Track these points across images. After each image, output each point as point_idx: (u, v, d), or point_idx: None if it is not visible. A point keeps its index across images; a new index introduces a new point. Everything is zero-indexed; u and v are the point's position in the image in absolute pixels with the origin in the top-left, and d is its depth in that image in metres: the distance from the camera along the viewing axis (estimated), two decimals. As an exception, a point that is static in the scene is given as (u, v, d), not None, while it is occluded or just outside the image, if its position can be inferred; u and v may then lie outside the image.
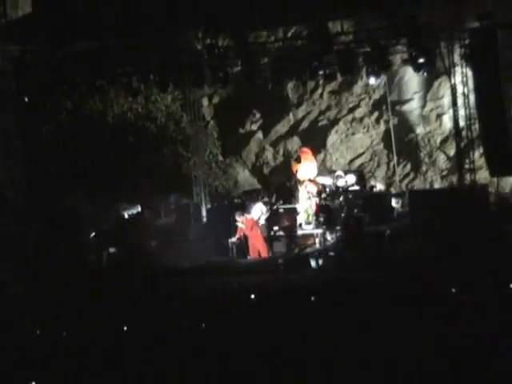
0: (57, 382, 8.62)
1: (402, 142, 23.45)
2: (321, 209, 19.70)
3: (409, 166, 23.33)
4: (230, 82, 18.78)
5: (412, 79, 22.60)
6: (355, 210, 18.83)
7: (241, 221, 18.75)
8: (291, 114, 24.87)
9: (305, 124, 24.78)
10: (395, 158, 23.06)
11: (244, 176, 25.06)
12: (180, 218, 21.04)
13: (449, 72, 16.61)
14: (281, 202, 20.27)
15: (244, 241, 18.97)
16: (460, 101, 17.15)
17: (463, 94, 16.77)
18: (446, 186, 21.77)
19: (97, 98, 21.83)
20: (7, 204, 18.22)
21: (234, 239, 18.83)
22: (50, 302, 13.65)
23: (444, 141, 22.76)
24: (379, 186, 21.04)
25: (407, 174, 23.09)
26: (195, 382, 8.18)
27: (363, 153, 24.01)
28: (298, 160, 20.66)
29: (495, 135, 16.13)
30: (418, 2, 16.51)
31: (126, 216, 20.54)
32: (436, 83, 22.48)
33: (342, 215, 18.51)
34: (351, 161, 23.98)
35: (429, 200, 17.32)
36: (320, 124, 24.60)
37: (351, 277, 15.49)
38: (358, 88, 23.80)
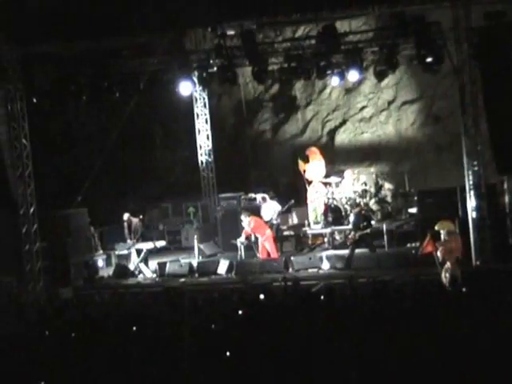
0: (66, 382, 8.66)
1: (411, 141, 23.44)
2: (329, 208, 19.73)
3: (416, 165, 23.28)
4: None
5: (420, 78, 22.50)
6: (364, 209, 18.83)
7: (246, 222, 18.68)
8: (299, 114, 24.87)
9: (313, 123, 24.79)
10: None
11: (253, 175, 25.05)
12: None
13: (457, 71, 16.51)
14: (292, 201, 20.27)
15: (255, 240, 18.94)
16: (468, 99, 17.07)
17: (471, 92, 16.69)
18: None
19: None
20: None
21: (242, 239, 18.84)
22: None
23: (451, 140, 22.69)
24: (387, 186, 20.99)
25: (415, 174, 23.04)
26: (204, 381, 8.20)
27: (371, 152, 23.97)
28: (306, 160, 20.64)
29: (503, 133, 16.07)
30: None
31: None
32: (444, 82, 22.39)
33: (351, 215, 18.50)
34: (359, 160, 23.94)
35: (437, 199, 17.35)
36: (328, 124, 24.60)
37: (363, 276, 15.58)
38: (366, 87, 23.77)
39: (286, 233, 20.12)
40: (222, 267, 18.12)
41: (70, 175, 23.97)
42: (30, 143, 18.62)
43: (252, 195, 21.13)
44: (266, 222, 18.98)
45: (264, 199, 20.11)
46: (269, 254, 18.59)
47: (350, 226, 18.17)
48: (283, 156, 24.76)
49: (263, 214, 19.37)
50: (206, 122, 23.03)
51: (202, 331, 9.20)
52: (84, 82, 18.14)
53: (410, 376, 7.47)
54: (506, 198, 17.05)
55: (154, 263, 19.18)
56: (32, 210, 18.38)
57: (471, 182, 16.29)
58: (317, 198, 20.11)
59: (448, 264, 13.42)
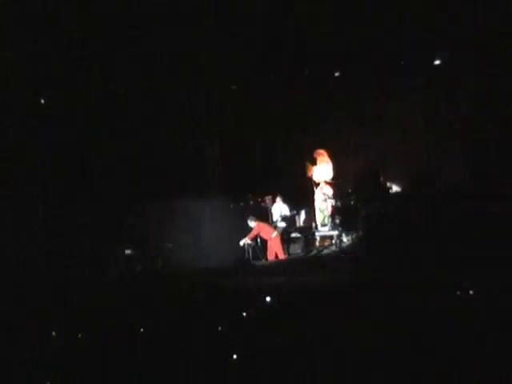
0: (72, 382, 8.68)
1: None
2: (337, 210, 19.69)
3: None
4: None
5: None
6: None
7: (253, 226, 18.77)
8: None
9: (320, 126, 24.70)
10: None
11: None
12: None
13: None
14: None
15: (260, 243, 18.99)
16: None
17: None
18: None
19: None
20: None
21: (248, 241, 18.86)
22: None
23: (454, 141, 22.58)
24: (395, 188, 20.94)
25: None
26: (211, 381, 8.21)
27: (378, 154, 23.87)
28: (314, 162, 20.63)
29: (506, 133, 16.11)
30: None
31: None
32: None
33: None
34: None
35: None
36: (336, 126, 24.52)
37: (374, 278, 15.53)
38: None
39: (293, 235, 20.14)
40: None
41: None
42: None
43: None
44: (272, 224, 19.07)
45: (274, 200, 20.21)
46: (276, 256, 18.69)
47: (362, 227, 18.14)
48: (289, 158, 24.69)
49: (273, 212, 19.41)
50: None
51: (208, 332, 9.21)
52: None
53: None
54: None
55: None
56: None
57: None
58: (324, 201, 20.10)
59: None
